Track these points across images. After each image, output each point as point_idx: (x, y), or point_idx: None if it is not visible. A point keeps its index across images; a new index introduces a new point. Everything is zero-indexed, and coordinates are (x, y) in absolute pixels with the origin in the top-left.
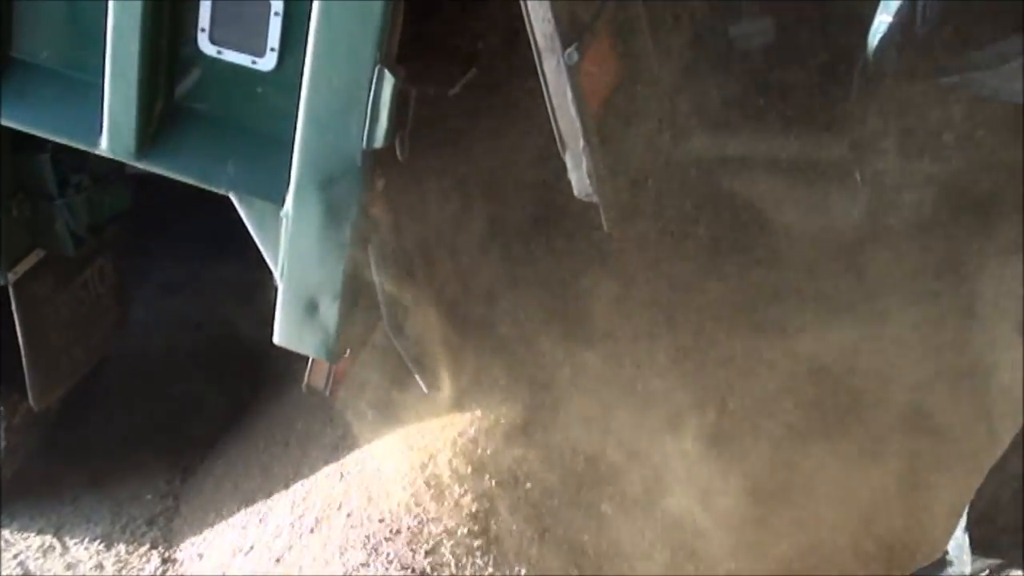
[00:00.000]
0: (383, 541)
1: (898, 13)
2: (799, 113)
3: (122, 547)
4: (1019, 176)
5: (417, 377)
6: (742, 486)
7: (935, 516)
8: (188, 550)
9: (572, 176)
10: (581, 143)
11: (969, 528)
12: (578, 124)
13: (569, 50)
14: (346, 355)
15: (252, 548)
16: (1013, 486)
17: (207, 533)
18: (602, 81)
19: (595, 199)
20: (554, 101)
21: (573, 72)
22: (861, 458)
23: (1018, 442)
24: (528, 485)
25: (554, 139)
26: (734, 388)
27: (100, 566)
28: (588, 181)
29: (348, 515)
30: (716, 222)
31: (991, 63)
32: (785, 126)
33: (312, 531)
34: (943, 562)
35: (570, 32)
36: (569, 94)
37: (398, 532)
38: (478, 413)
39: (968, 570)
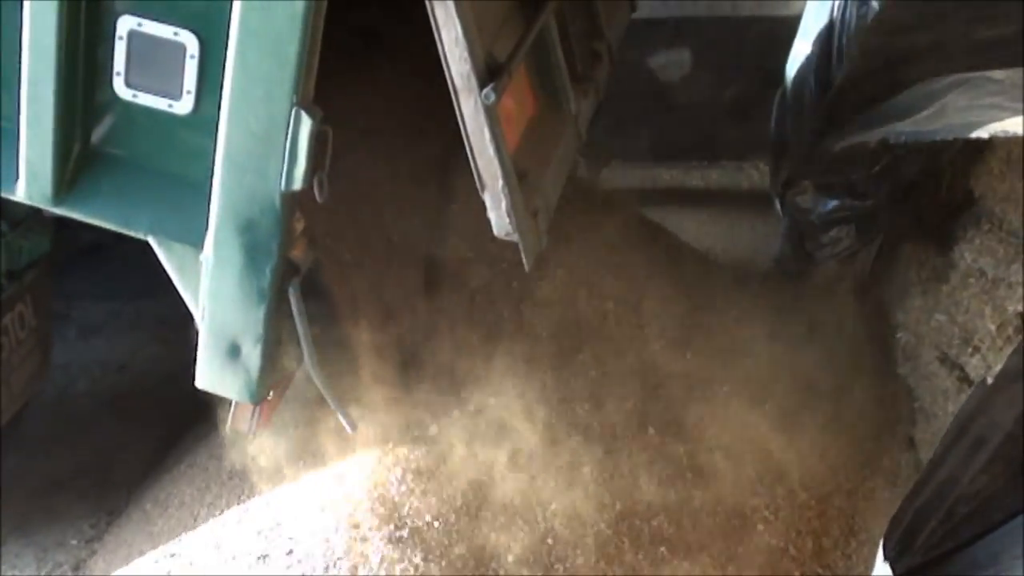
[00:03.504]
0: None
1: (817, 41)
2: (717, 142)
3: None
4: (934, 206)
5: (340, 418)
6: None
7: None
8: None
9: (491, 215)
10: (500, 183)
11: (888, 557)
12: (496, 164)
13: (486, 90)
14: (269, 396)
15: None
16: (930, 512)
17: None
18: (519, 117)
19: (515, 238)
20: (472, 141)
21: (491, 112)
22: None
23: (934, 468)
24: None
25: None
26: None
27: None
28: (507, 220)
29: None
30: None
31: (911, 109)
32: (704, 155)
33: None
34: None
35: (487, 72)
36: (487, 134)
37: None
38: (403, 452)
39: None
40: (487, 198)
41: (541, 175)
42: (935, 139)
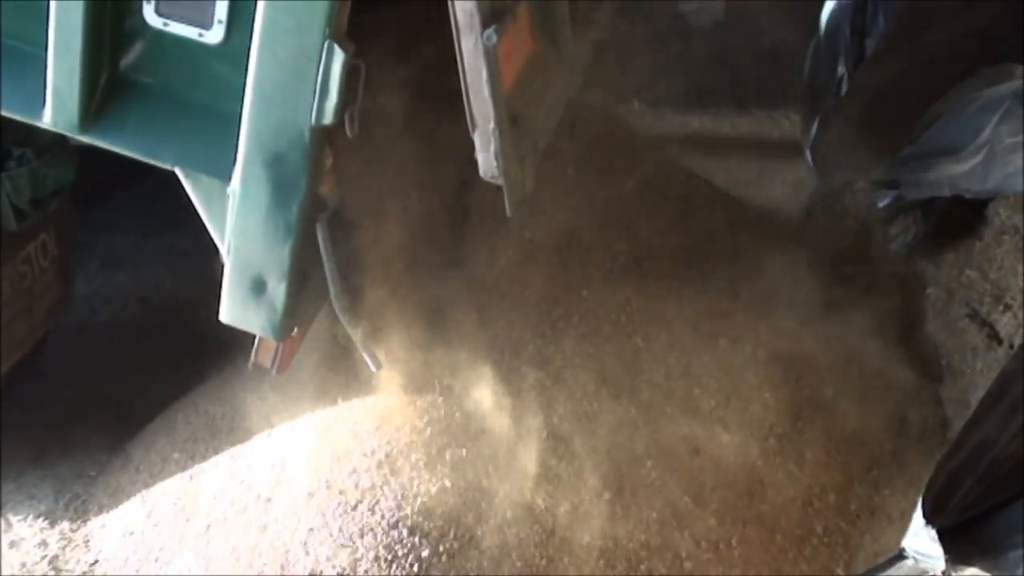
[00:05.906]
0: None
1: None
2: (749, 90)
3: (66, 524)
4: None
5: (365, 356)
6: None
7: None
8: (96, 522)
9: (479, 156)
10: (491, 125)
11: (928, 521)
12: (490, 105)
13: (488, 31)
14: (293, 333)
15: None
16: (966, 474)
17: (117, 505)
18: (516, 58)
19: (499, 181)
20: (468, 80)
21: (490, 53)
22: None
23: (971, 429)
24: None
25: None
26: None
27: (44, 544)
28: (494, 163)
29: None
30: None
31: (954, 148)
32: (735, 103)
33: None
34: (900, 557)
35: (491, 12)
36: (484, 75)
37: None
38: (428, 393)
39: (941, 565)
40: (476, 138)
41: (532, 120)
42: (1004, 192)
